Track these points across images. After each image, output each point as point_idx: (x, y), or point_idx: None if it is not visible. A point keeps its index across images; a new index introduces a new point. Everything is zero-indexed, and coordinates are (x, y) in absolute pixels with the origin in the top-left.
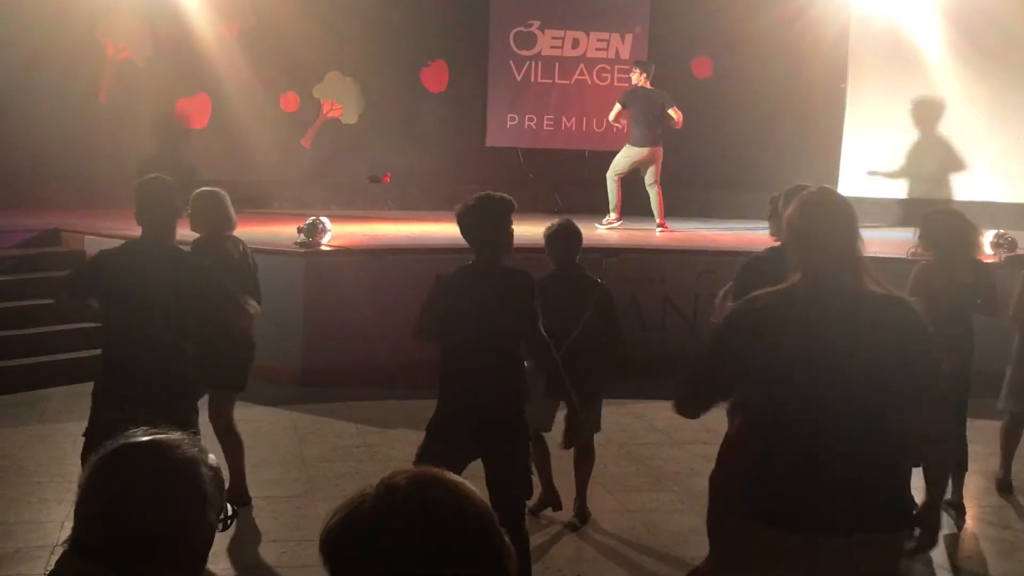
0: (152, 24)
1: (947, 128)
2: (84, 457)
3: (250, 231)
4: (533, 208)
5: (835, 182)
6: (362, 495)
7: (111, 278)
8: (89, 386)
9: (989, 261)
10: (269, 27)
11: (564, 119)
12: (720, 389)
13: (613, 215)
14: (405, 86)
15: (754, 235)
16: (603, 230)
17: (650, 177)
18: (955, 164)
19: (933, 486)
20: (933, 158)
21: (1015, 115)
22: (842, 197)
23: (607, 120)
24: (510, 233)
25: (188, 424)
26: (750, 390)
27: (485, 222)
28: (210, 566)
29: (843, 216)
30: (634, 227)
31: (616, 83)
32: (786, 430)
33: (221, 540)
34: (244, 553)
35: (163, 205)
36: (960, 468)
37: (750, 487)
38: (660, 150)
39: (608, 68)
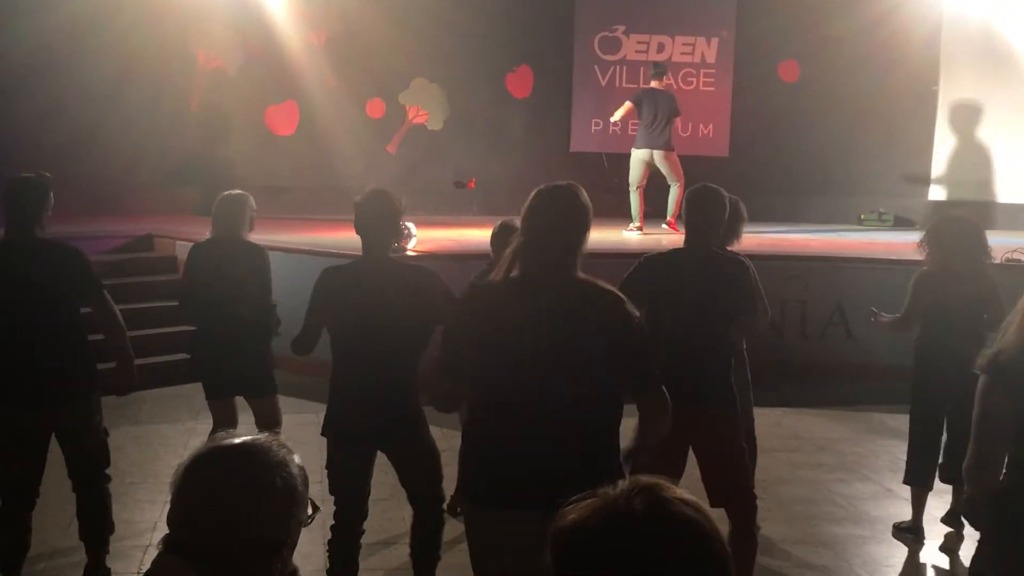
0: (242, 33)
1: None
2: None
3: (336, 236)
4: (618, 213)
5: (926, 186)
6: (600, 504)
7: None
8: (183, 388)
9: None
10: (356, 35)
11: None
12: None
13: (634, 224)
14: (490, 92)
15: (843, 240)
16: (626, 234)
17: (668, 178)
18: None
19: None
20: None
21: None
22: (579, 197)
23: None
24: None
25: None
26: (471, 377)
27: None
28: (299, 566)
29: (571, 214)
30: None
31: (702, 87)
32: (489, 414)
33: (309, 542)
34: None
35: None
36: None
37: (465, 470)
38: (663, 152)
39: (693, 72)
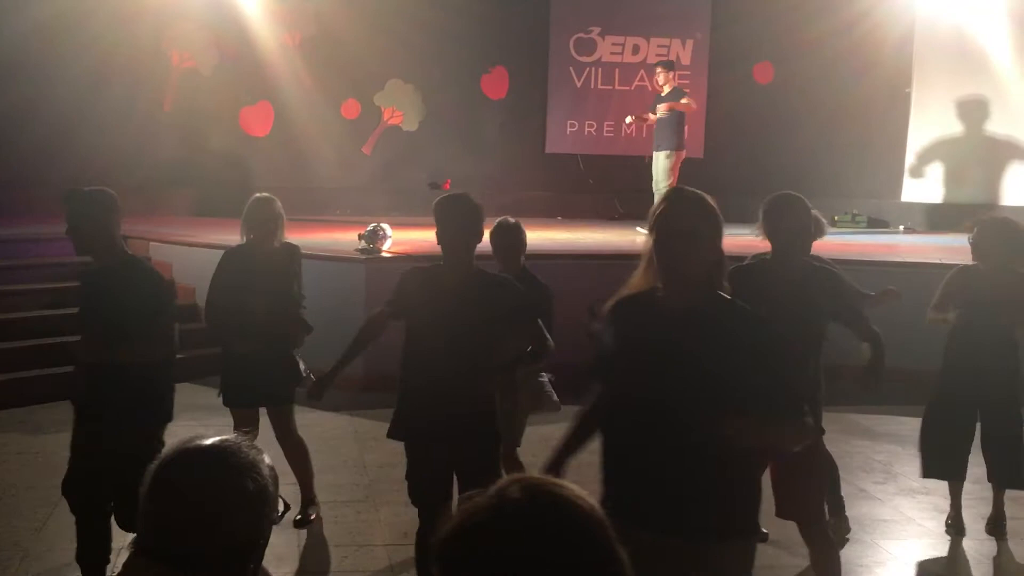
0: (216, 34)
1: (1015, 131)
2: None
3: (311, 238)
4: (593, 215)
5: (899, 187)
6: (475, 505)
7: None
8: None
9: None
10: (331, 36)
11: (624, 125)
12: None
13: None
14: (465, 93)
15: (817, 241)
16: (639, 228)
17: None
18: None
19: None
20: (999, 162)
21: None
22: (706, 201)
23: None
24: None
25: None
26: (607, 388)
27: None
28: (272, 570)
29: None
30: None
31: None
32: (625, 430)
33: (283, 544)
34: (306, 558)
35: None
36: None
37: (603, 483)
38: (661, 153)
39: None
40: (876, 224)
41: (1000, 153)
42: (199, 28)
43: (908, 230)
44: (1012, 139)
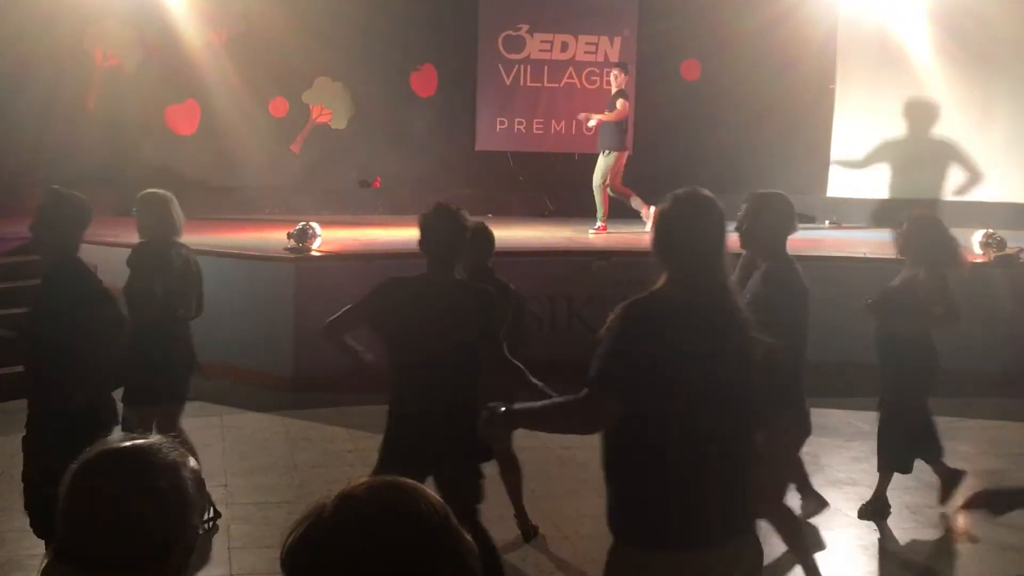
0: (141, 31)
1: (934, 129)
2: None
3: (240, 237)
4: (523, 212)
5: (824, 183)
6: (320, 507)
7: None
8: None
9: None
10: (258, 33)
11: (553, 122)
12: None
13: (599, 222)
14: (394, 91)
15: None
16: (592, 235)
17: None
18: (943, 164)
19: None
20: (921, 158)
21: (1002, 115)
22: (713, 198)
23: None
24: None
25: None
26: (628, 404)
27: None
28: (202, 572)
29: (718, 218)
30: (624, 230)
31: (604, 86)
32: (665, 448)
33: (214, 546)
34: (236, 559)
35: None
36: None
37: (633, 511)
38: (612, 153)
39: (597, 71)
40: (802, 219)
41: (923, 149)
42: (123, 25)
43: (834, 224)
44: (931, 135)
